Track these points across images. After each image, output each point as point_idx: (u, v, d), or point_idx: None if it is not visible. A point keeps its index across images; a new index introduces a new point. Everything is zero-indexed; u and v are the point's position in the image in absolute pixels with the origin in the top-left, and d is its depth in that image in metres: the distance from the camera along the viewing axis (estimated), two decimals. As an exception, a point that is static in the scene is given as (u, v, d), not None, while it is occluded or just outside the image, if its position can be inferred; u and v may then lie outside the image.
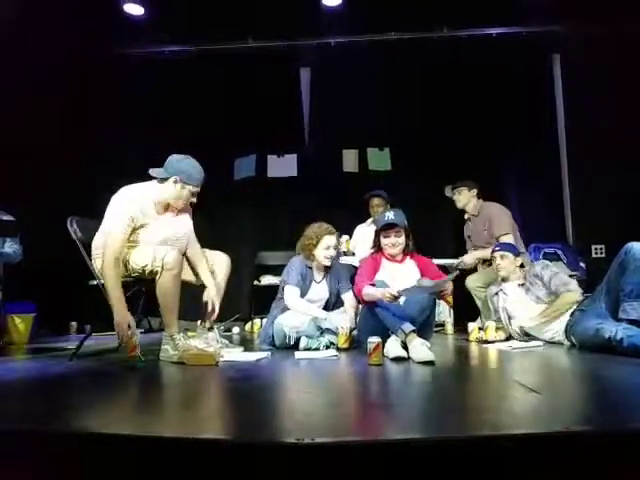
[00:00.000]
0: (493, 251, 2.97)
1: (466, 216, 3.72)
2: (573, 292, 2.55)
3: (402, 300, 2.36)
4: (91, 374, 2.06)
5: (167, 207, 2.43)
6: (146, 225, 2.31)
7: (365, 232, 3.83)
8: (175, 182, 2.35)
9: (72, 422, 1.19)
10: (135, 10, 4.34)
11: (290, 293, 2.69)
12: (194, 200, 2.47)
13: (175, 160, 2.40)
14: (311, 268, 2.82)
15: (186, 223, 2.52)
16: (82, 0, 3.79)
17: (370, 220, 3.97)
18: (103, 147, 4.38)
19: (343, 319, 2.66)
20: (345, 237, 3.76)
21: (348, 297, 2.84)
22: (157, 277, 2.19)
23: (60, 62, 4.03)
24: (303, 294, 2.76)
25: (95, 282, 2.35)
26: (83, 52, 4.18)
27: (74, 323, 4.10)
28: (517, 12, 4.37)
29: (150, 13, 4.34)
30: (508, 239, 3.28)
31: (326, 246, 2.74)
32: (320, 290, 2.84)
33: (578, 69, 4.48)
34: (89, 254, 2.36)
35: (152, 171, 2.44)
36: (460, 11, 4.35)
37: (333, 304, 2.90)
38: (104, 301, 2.22)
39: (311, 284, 2.81)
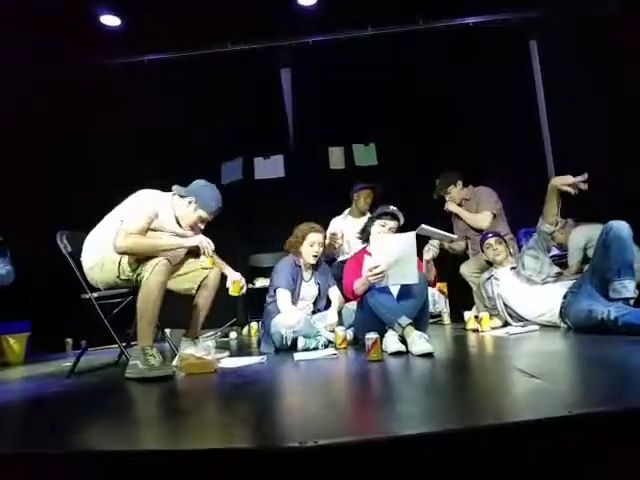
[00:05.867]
0: (485, 238, 3.02)
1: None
2: None
3: (394, 289, 2.37)
4: (90, 391, 2.03)
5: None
6: (159, 230, 2.31)
7: (339, 226, 3.68)
8: (190, 202, 2.39)
9: (74, 442, 1.17)
10: (111, 21, 4.29)
11: (282, 297, 2.70)
12: (202, 227, 2.50)
13: (199, 184, 2.46)
14: (300, 267, 2.84)
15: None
16: (57, 13, 3.73)
17: (346, 212, 3.89)
18: (87, 160, 4.33)
19: (330, 314, 2.75)
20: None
21: (334, 293, 2.89)
22: (143, 281, 2.06)
23: (39, 77, 3.97)
24: (294, 294, 2.78)
25: (87, 296, 2.32)
26: (61, 65, 4.12)
27: (70, 340, 4.06)
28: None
29: (127, 24, 4.30)
30: (486, 217, 3.38)
31: (311, 243, 2.78)
32: (310, 289, 2.88)
33: (556, 54, 4.52)
34: (80, 268, 2.32)
35: (175, 187, 2.45)
36: (435, 2, 4.36)
37: (323, 302, 2.92)
38: (97, 315, 2.18)
39: (301, 284, 2.83)
